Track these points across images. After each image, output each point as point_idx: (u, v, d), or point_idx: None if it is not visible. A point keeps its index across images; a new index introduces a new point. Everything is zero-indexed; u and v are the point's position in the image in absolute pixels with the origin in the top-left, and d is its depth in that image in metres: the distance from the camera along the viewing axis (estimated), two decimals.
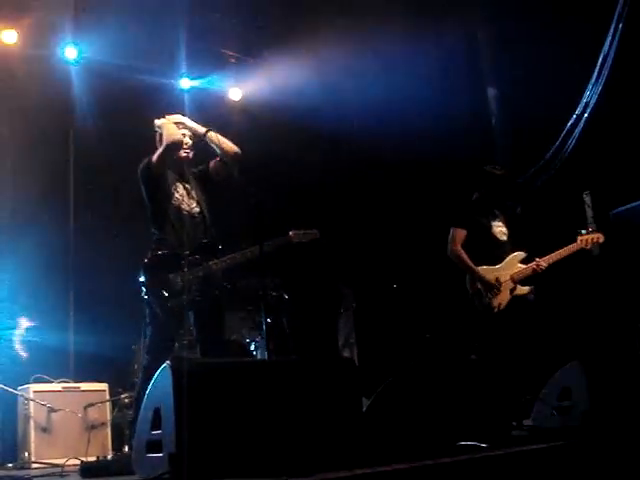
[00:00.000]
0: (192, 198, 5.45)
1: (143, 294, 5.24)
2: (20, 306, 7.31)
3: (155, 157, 5.33)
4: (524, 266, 6.29)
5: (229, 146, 5.46)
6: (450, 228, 6.38)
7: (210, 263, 5.31)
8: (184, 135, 5.46)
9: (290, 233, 5.75)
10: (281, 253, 5.62)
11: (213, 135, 5.45)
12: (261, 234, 5.18)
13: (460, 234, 6.33)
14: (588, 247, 6.26)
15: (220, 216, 5.60)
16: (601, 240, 6.26)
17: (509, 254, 6.33)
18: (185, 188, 5.46)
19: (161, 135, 5.44)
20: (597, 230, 6.34)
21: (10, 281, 7.33)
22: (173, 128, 5.41)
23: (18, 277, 7.39)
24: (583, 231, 6.31)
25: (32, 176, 7.75)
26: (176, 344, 5.71)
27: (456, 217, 6.42)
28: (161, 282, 5.18)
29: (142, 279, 5.23)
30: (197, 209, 5.45)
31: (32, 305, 7.40)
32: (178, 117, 5.55)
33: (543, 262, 6.25)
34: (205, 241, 5.38)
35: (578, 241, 6.28)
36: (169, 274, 5.18)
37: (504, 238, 6.39)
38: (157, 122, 5.50)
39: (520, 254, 6.33)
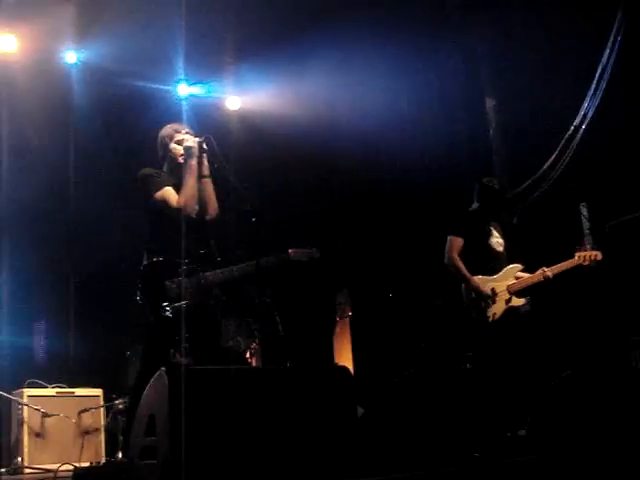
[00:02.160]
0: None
1: (139, 300, 5.23)
2: (16, 311, 7.31)
3: (160, 202, 5.24)
4: (526, 275, 6.28)
5: (212, 205, 5.40)
6: (447, 237, 6.39)
7: (207, 274, 5.29)
8: (188, 140, 5.43)
9: (289, 251, 5.66)
10: (279, 270, 5.59)
11: (208, 183, 5.40)
12: (258, 249, 5.17)
13: (457, 242, 6.34)
14: (585, 264, 6.25)
15: (218, 226, 5.59)
16: (599, 258, 6.25)
17: (505, 265, 6.34)
18: None
19: (168, 148, 5.43)
20: (595, 247, 6.33)
21: (6, 286, 7.33)
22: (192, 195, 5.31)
23: (14, 282, 7.39)
24: (581, 248, 6.30)
25: (32, 179, 7.76)
26: (171, 351, 5.69)
27: (453, 226, 6.43)
28: (157, 289, 5.16)
29: (139, 285, 5.22)
30: (196, 217, 5.42)
31: (27, 310, 7.39)
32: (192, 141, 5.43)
33: (549, 272, 6.25)
34: (203, 251, 5.36)
35: (576, 257, 6.27)
36: (165, 281, 5.16)
37: (501, 249, 6.40)
38: (189, 144, 5.33)
39: (517, 266, 6.34)
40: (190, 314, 5.21)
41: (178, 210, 5.19)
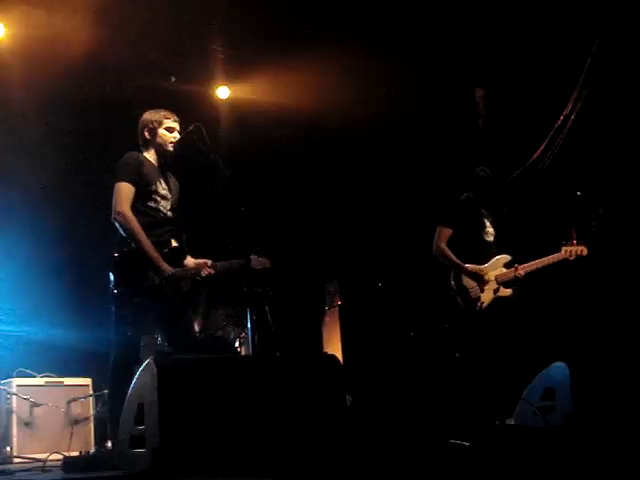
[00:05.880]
0: (166, 199, 5.36)
1: (113, 291, 5.16)
2: (5, 301, 7.29)
3: (115, 192, 5.21)
4: (506, 270, 6.31)
5: None
6: (437, 226, 6.40)
7: (176, 270, 5.20)
8: (175, 129, 5.41)
9: (251, 257, 5.50)
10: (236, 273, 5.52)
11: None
12: (246, 244, 5.17)
13: (446, 232, 6.35)
14: (571, 258, 6.27)
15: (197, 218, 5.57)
16: (585, 253, 6.26)
17: (495, 255, 6.35)
18: (163, 188, 5.36)
19: (156, 133, 5.39)
20: (581, 242, 6.33)
21: None
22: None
23: (3, 272, 7.37)
24: (568, 242, 6.31)
25: (25, 173, 7.74)
26: (142, 342, 5.58)
27: (443, 216, 6.44)
28: (129, 279, 5.11)
29: (111, 275, 5.16)
30: (170, 212, 5.36)
31: (16, 300, 7.37)
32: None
33: (521, 270, 6.25)
34: (175, 245, 5.35)
35: (562, 251, 6.28)
36: (137, 271, 5.10)
37: (491, 239, 6.41)
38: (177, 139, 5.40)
39: (505, 257, 6.35)
40: (159, 305, 5.16)
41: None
